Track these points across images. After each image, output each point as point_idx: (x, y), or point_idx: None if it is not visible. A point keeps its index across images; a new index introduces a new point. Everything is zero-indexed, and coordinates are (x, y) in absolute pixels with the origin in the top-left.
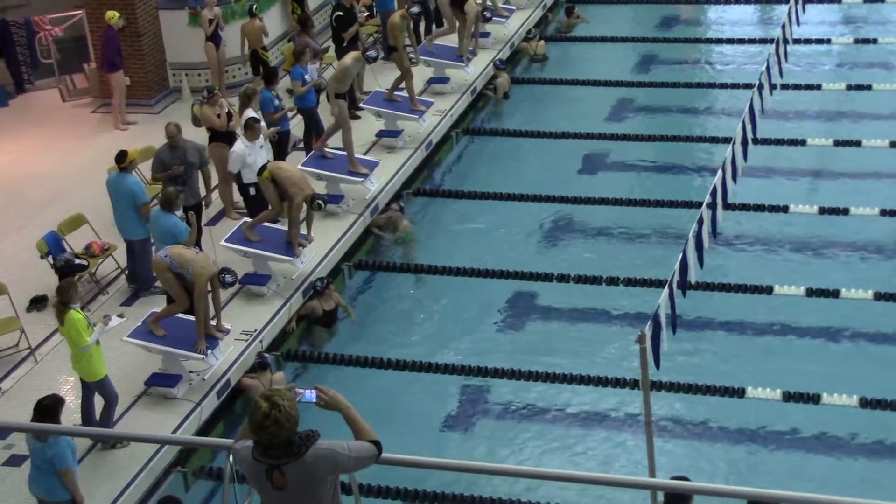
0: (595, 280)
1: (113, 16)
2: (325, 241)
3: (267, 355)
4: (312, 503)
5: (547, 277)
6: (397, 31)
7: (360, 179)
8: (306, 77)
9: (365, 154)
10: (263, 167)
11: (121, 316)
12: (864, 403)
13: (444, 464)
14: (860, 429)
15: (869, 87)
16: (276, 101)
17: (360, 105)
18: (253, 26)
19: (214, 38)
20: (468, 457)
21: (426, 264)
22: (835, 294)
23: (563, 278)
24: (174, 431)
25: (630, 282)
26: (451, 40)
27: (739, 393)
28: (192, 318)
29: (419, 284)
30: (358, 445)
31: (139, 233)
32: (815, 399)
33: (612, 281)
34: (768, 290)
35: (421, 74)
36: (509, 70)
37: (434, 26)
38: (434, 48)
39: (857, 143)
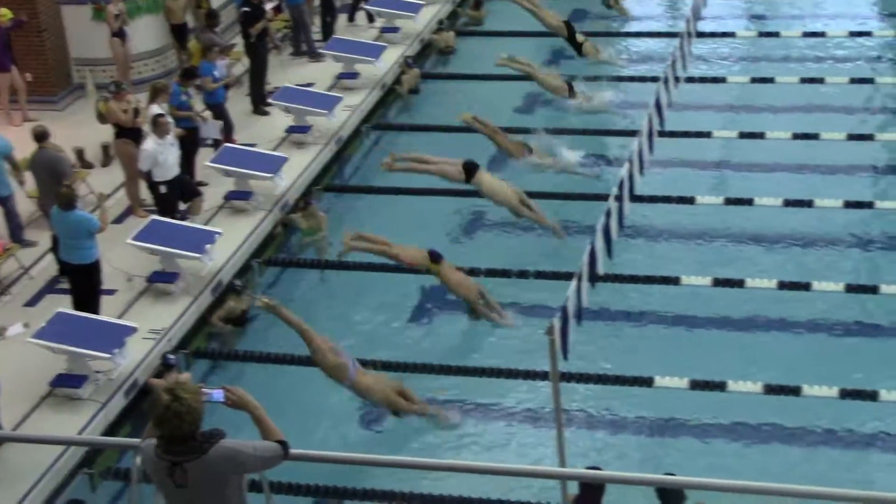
0: (505, 273)
1: (5, 14)
2: (235, 237)
3: (172, 356)
4: (216, 502)
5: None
6: None
7: (271, 175)
8: (215, 73)
9: (274, 150)
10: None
11: (25, 325)
12: (769, 390)
13: (355, 458)
14: (765, 415)
15: (772, 80)
16: (183, 97)
17: (270, 101)
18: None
19: (120, 34)
20: (381, 451)
21: (337, 260)
22: (740, 284)
23: (473, 272)
24: (80, 432)
25: (540, 274)
26: (358, 35)
27: (648, 382)
28: (96, 316)
29: (330, 280)
30: (264, 445)
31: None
32: (721, 387)
33: (522, 274)
34: (675, 281)
35: (330, 70)
36: (419, 64)
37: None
38: (341, 43)
39: (761, 135)
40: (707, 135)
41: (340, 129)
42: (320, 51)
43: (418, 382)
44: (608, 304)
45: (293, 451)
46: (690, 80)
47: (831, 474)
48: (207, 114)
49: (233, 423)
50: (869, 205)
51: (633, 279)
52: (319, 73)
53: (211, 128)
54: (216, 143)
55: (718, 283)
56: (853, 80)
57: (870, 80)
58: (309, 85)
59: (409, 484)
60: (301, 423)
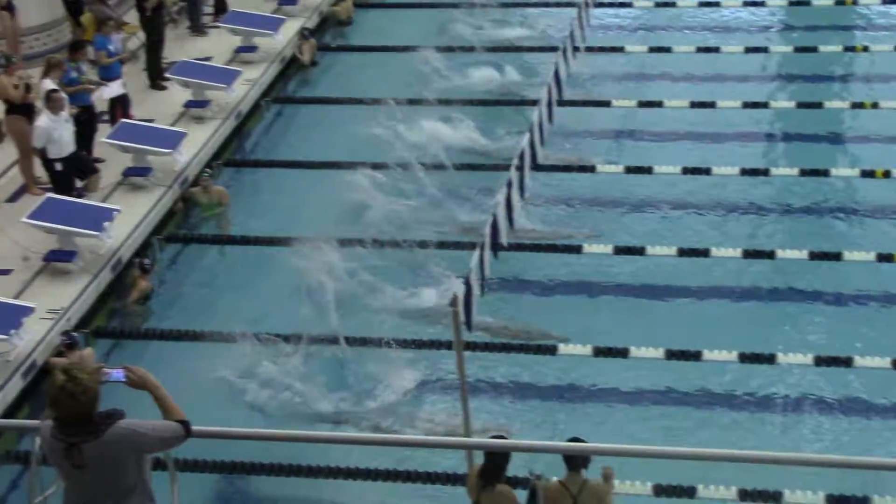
0: (407, 244)
1: None
2: (134, 214)
3: (74, 334)
4: (114, 483)
5: (360, 243)
6: None
7: (169, 151)
8: (110, 47)
9: (173, 125)
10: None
11: None
12: (670, 355)
13: (260, 434)
14: (666, 381)
15: (669, 50)
16: (73, 73)
17: (167, 75)
18: None
19: (8, 7)
20: (285, 427)
21: (238, 235)
22: (640, 251)
23: (377, 243)
24: None
25: (442, 245)
26: (254, 7)
27: (552, 350)
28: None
29: (231, 256)
30: (164, 425)
31: None
32: (623, 353)
33: (424, 244)
34: (577, 249)
35: (229, 43)
36: (318, 37)
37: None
38: (239, 16)
39: (659, 104)
40: (606, 104)
41: (240, 104)
42: (215, 24)
43: (321, 358)
44: (511, 273)
45: (196, 428)
46: (589, 49)
47: (732, 437)
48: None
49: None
50: (765, 172)
51: (536, 248)
52: (217, 47)
53: (113, 88)
54: (122, 107)
55: (619, 250)
56: (748, 50)
57: (764, 49)
58: (207, 59)
59: (315, 458)
60: (204, 400)
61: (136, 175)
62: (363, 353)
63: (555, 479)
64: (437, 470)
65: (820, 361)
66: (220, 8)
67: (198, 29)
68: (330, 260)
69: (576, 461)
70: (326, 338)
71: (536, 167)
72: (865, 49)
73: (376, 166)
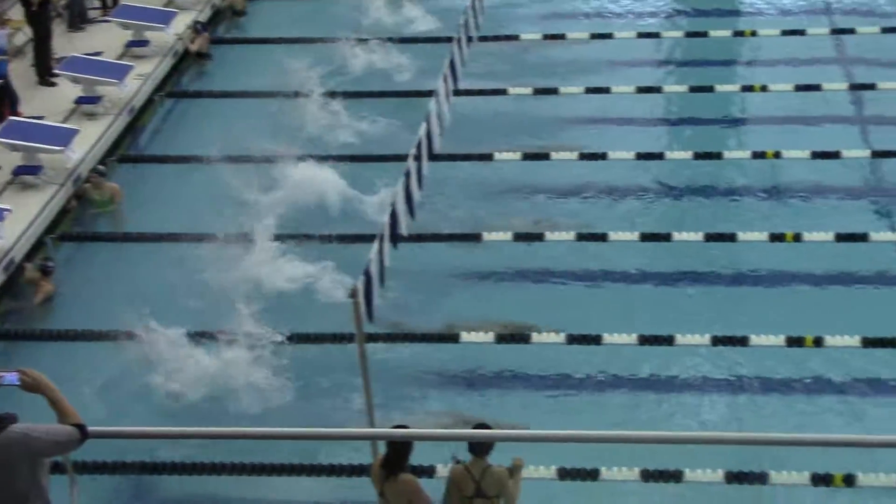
0: (307, 237)
1: None
2: (25, 214)
3: None
4: (7, 489)
5: (261, 239)
6: None
7: (61, 148)
8: None
9: (64, 122)
10: None
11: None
12: (572, 340)
13: (158, 433)
14: (565, 365)
15: (563, 37)
16: None
17: (55, 71)
18: None
19: None
20: (187, 424)
21: (134, 232)
22: (539, 237)
23: (278, 238)
24: None
25: (343, 238)
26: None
27: (454, 338)
28: None
29: (128, 253)
30: (58, 429)
31: None
32: (525, 339)
33: (326, 238)
34: (477, 238)
35: (120, 37)
36: (211, 31)
37: None
38: (130, 10)
39: (555, 91)
40: (503, 92)
41: (133, 99)
42: (105, 18)
43: (221, 352)
44: (412, 263)
45: (93, 429)
46: (484, 39)
47: (638, 418)
48: None
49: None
50: (659, 156)
51: (436, 238)
52: (108, 42)
53: None
54: (10, 104)
55: (519, 237)
56: (640, 35)
57: (656, 35)
58: (97, 54)
59: (216, 454)
60: (102, 399)
61: (26, 174)
62: (257, 348)
63: (460, 463)
64: (341, 462)
65: (717, 341)
66: (106, 2)
67: (78, 24)
68: (229, 254)
69: (479, 447)
70: (226, 333)
71: (434, 157)
72: (753, 34)
73: (275, 159)
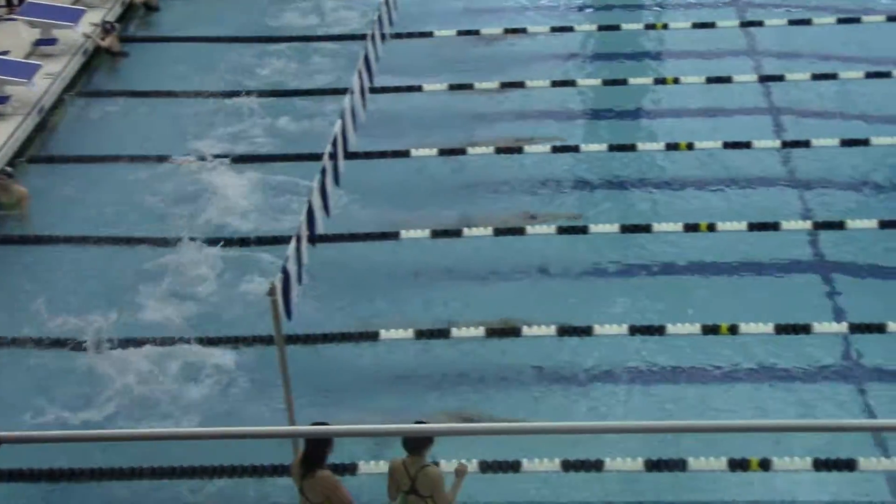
0: (232, 242)
1: None
2: None
3: None
4: None
5: (177, 242)
6: None
7: None
8: None
9: None
10: None
11: None
12: (491, 332)
13: (76, 436)
14: (485, 358)
15: (477, 33)
16: None
17: None
18: None
19: None
20: (106, 427)
21: (45, 234)
22: (457, 233)
23: (192, 239)
24: None
25: (260, 240)
26: None
27: (374, 336)
28: None
29: (34, 256)
30: None
31: None
32: (445, 334)
33: (244, 242)
34: (395, 236)
35: (27, 35)
36: (120, 30)
37: None
38: (36, 7)
39: (470, 87)
40: (418, 89)
41: (42, 98)
42: (10, 17)
43: (144, 354)
44: (332, 261)
45: (6, 433)
46: (398, 35)
47: (562, 409)
48: None
49: None
50: (574, 148)
51: (353, 237)
52: (14, 41)
53: None
54: None
55: (437, 234)
56: (553, 29)
57: (569, 29)
58: (4, 53)
59: (135, 458)
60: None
61: None
62: (174, 351)
63: (399, 458)
64: (264, 464)
65: (634, 331)
66: (12, 0)
67: None
68: (142, 256)
69: (411, 446)
70: (135, 339)
71: (350, 155)
72: (665, 27)
73: (188, 159)
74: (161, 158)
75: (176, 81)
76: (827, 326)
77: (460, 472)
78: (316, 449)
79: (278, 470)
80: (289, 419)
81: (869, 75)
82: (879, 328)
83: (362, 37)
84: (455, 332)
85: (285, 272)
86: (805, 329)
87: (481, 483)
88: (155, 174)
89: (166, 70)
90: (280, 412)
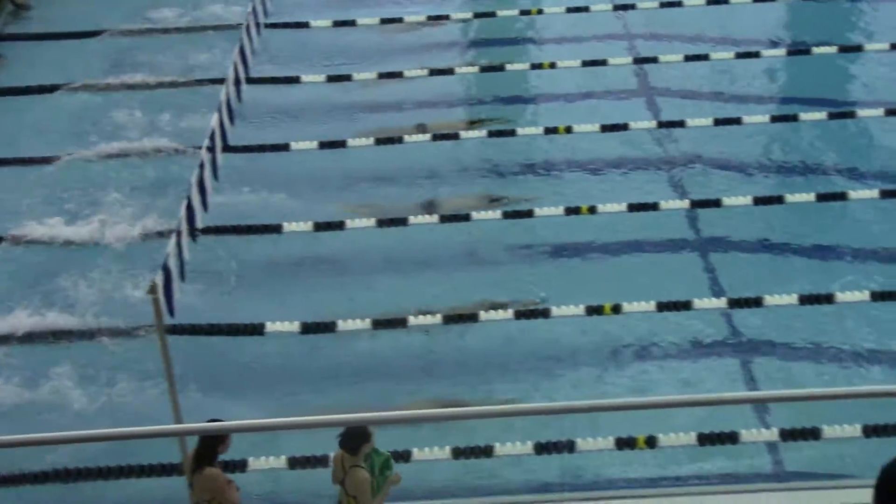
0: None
1: None
2: None
3: None
4: None
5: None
6: None
7: None
8: None
9: None
10: None
11: None
12: (377, 325)
13: None
14: (375, 349)
15: (353, 23)
16: None
17: None
18: None
19: None
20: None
21: None
22: (340, 226)
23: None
24: None
25: (146, 237)
26: None
27: (259, 329)
28: None
29: None
30: None
31: None
32: (331, 327)
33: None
34: (278, 229)
35: None
36: None
37: None
38: None
39: (349, 77)
40: (296, 80)
41: None
42: None
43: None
44: (212, 256)
45: None
46: (273, 25)
47: (449, 397)
48: None
49: None
50: (455, 136)
51: (235, 230)
52: None
53: None
54: None
55: (319, 227)
56: (430, 18)
57: (446, 17)
58: None
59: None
60: None
61: None
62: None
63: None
64: (152, 463)
65: (519, 315)
66: None
67: None
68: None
69: (346, 443)
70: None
71: (228, 148)
72: (540, 12)
73: (66, 157)
74: (39, 160)
75: (47, 77)
76: (707, 302)
77: (391, 482)
78: (207, 445)
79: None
80: (174, 417)
81: (739, 56)
82: (757, 302)
83: (237, 27)
84: (341, 325)
85: (166, 269)
86: (686, 305)
87: None
88: (28, 177)
89: (37, 66)
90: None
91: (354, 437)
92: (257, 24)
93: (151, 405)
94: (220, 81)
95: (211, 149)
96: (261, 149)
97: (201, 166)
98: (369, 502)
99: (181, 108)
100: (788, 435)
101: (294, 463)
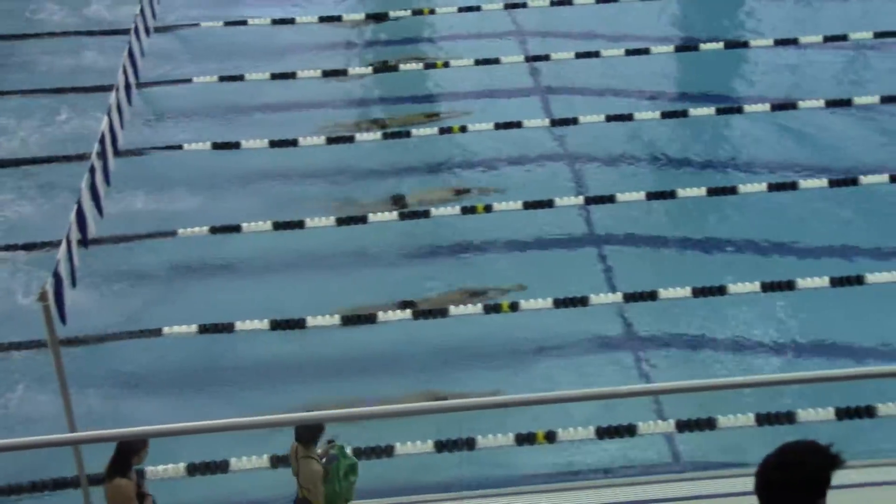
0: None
1: None
2: None
3: None
4: None
5: None
6: None
7: None
8: None
9: None
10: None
11: None
12: (275, 325)
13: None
14: (274, 350)
15: (245, 23)
16: None
17: None
18: None
19: None
20: None
21: None
22: (237, 229)
23: None
24: None
25: (30, 246)
26: None
27: (156, 333)
28: None
29: None
30: None
31: None
32: (229, 328)
33: (11, 247)
34: (173, 234)
35: None
36: None
37: None
38: None
39: (241, 78)
40: (187, 81)
41: None
42: None
43: None
44: (105, 262)
45: None
46: (164, 28)
47: (350, 396)
48: None
49: None
50: (349, 139)
51: (125, 239)
52: None
53: None
54: None
55: (216, 230)
56: (322, 19)
57: (338, 18)
58: None
59: None
60: None
61: None
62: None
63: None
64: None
65: (417, 315)
66: None
67: None
68: None
69: (299, 435)
70: None
71: (120, 152)
72: (432, 11)
73: None
74: None
75: None
76: (603, 297)
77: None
78: (120, 453)
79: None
80: (69, 425)
81: (629, 52)
82: (651, 296)
83: (126, 31)
84: (239, 325)
85: (57, 276)
86: (583, 301)
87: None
88: None
89: None
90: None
91: (308, 429)
92: (146, 27)
93: (44, 413)
94: (109, 88)
95: (101, 154)
96: (153, 150)
97: (92, 171)
98: (321, 494)
99: (72, 112)
100: (685, 426)
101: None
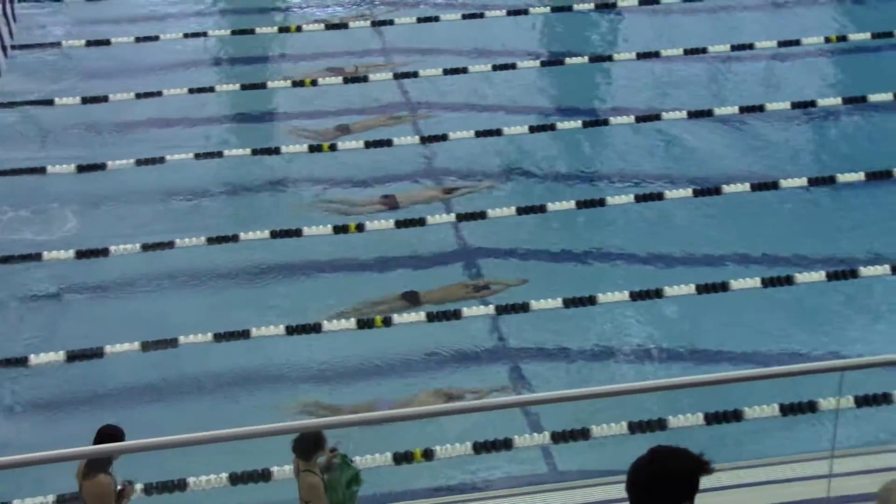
0: None
1: None
2: None
3: None
4: None
5: None
6: None
7: None
8: None
9: None
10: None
11: None
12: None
13: None
14: (145, 374)
15: (108, 42)
16: None
17: None
18: None
19: None
20: None
21: None
22: (105, 252)
23: None
24: None
25: None
26: None
27: (23, 362)
28: None
29: None
30: None
31: None
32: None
33: None
34: (38, 257)
35: None
36: None
37: None
38: None
39: (105, 98)
40: (49, 102)
41: None
42: None
43: None
44: None
45: None
46: (23, 47)
47: (233, 416)
48: None
49: None
50: (218, 154)
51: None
52: None
53: None
54: None
55: (81, 254)
56: (186, 35)
57: (203, 34)
58: None
59: None
60: None
61: None
62: None
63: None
64: None
65: (291, 331)
66: None
67: None
68: None
69: (297, 449)
70: None
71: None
72: (299, 29)
73: None
74: None
75: None
76: (476, 310)
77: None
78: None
79: None
80: None
81: (495, 68)
82: (524, 307)
83: None
84: (109, 349)
85: None
86: (456, 315)
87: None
88: None
89: None
90: None
91: (306, 443)
92: (3, 46)
93: None
94: None
95: None
96: (15, 172)
97: None
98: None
99: None
100: (560, 437)
101: None
